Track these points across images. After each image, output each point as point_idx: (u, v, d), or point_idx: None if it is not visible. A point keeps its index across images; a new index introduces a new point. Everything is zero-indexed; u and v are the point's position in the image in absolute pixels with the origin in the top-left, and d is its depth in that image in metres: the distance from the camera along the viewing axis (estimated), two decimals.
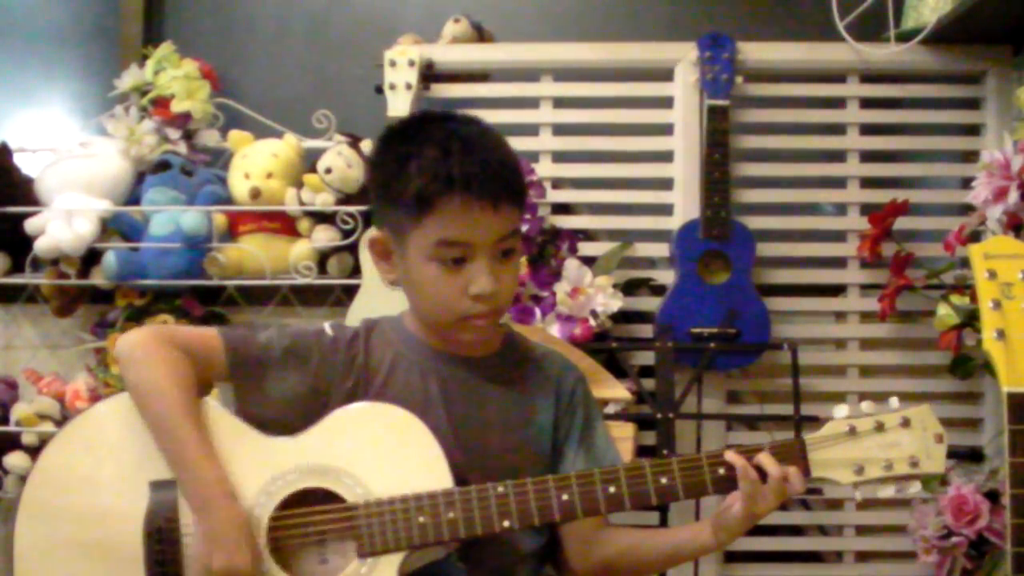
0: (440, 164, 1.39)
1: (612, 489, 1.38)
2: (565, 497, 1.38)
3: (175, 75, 2.54)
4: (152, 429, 1.41)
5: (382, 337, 1.52)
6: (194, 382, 1.43)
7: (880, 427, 1.39)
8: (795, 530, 2.50)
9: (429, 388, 1.48)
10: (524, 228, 2.37)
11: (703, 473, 1.40)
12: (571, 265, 2.38)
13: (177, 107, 2.52)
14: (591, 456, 1.52)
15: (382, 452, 1.40)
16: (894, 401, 1.41)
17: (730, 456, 1.38)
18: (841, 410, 1.41)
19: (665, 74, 2.51)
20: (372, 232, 1.53)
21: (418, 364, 1.50)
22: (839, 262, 2.52)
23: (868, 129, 2.54)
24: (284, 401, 1.46)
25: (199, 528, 1.36)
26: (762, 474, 1.38)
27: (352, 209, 2.42)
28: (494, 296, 1.42)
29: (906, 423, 1.39)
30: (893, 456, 1.38)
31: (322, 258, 2.49)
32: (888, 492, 1.39)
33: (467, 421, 1.48)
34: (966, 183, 2.24)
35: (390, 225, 1.46)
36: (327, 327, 1.53)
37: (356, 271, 2.46)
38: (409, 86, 2.40)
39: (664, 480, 1.39)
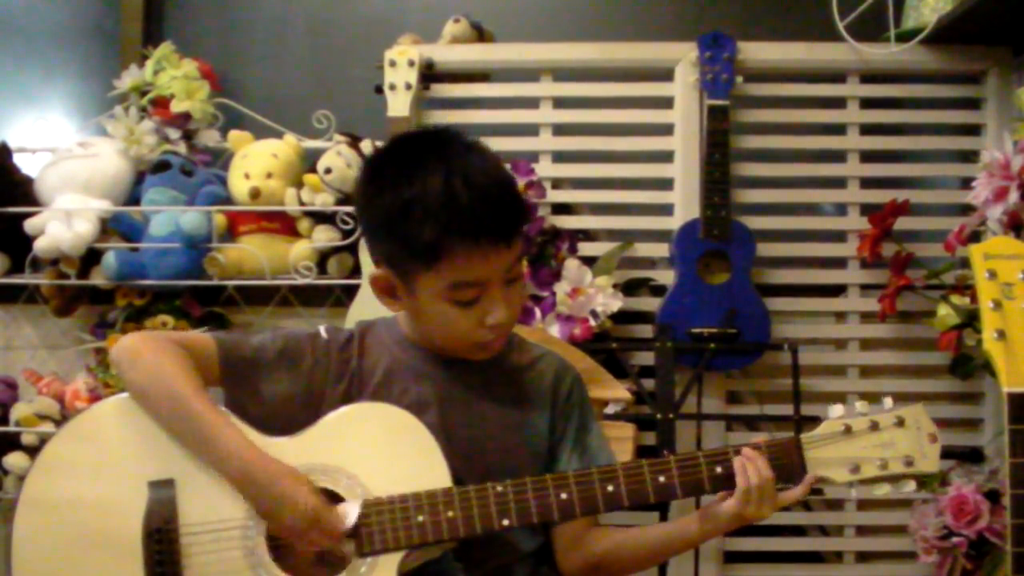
0: (449, 210, 1.33)
1: (610, 488, 1.39)
2: (564, 496, 1.38)
3: (175, 75, 2.54)
4: (163, 415, 1.40)
5: (377, 340, 1.52)
6: (197, 371, 1.42)
7: (875, 426, 1.39)
8: (795, 530, 2.50)
9: (424, 392, 1.48)
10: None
11: (701, 471, 1.40)
12: (571, 265, 2.38)
13: (177, 107, 2.52)
14: (585, 457, 1.52)
15: (381, 451, 1.40)
16: (888, 401, 1.42)
17: (746, 451, 1.39)
18: (836, 410, 1.42)
19: (665, 74, 2.51)
20: (372, 270, 1.48)
21: (413, 368, 1.50)
22: (839, 262, 2.52)
23: (868, 129, 2.53)
24: (277, 403, 1.47)
25: (252, 503, 1.35)
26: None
27: (352, 209, 2.41)
28: (509, 322, 1.43)
29: (900, 422, 1.39)
30: (888, 455, 1.39)
31: (322, 258, 2.49)
32: (883, 491, 1.40)
33: (463, 424, 1.48)
34: (966, 183, 2.23)
35: (394, 266, 1.42)
36: (322, 330, 1.53)
37: (356, 271, 2.45)
38: (409, 86, 2.40)
39: (662, 478, 1.39)
